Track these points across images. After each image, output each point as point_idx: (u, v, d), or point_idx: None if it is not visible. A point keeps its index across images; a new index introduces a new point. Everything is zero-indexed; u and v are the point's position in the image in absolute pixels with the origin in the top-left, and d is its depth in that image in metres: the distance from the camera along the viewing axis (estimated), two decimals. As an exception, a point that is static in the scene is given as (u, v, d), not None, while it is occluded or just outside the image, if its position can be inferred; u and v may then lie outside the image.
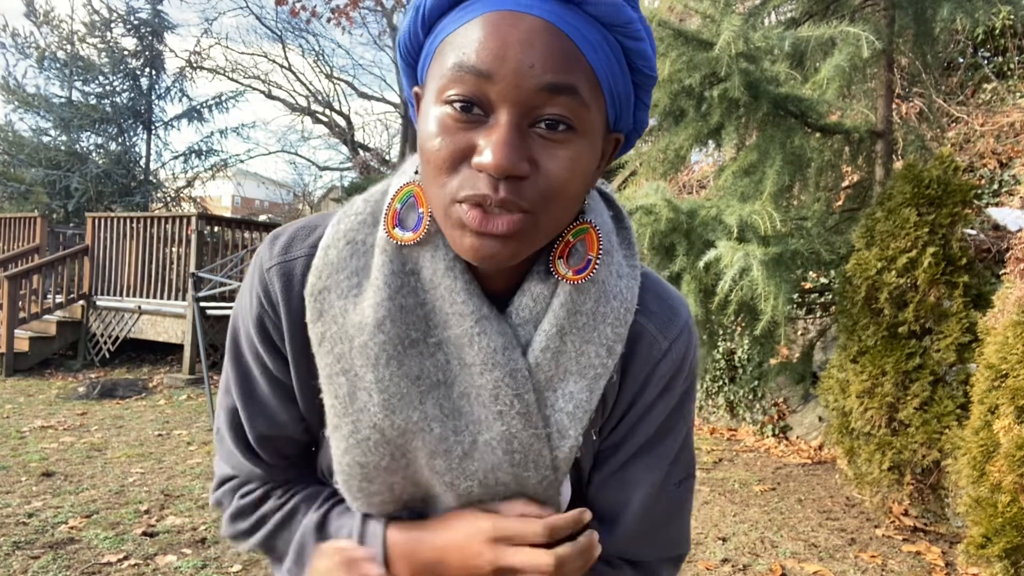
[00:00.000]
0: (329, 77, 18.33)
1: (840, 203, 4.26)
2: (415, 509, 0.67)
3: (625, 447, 0.68)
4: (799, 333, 4.87)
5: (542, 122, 0.52)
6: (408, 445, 0.61)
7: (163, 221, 7.78)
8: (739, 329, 3.84)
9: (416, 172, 0.62)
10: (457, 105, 0.51)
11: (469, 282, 0.59)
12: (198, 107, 13.75)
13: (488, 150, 0.50)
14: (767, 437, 4.70)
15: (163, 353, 7.95)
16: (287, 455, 0.69)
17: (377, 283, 0.59)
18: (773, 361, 3.88)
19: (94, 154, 12.81)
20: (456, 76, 0.51)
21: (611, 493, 0.68)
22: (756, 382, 4.72)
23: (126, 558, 2.65)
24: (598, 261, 0.60)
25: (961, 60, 5.83)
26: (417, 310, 0.60)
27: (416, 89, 0.60)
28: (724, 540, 2.93)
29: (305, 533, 0.66)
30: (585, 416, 0.62)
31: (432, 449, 0.61)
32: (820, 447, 4.36)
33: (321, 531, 0.66)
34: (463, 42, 0.51)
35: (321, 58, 18.89)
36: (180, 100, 13.73)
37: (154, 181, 13.51)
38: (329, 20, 17.77)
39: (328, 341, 0.61)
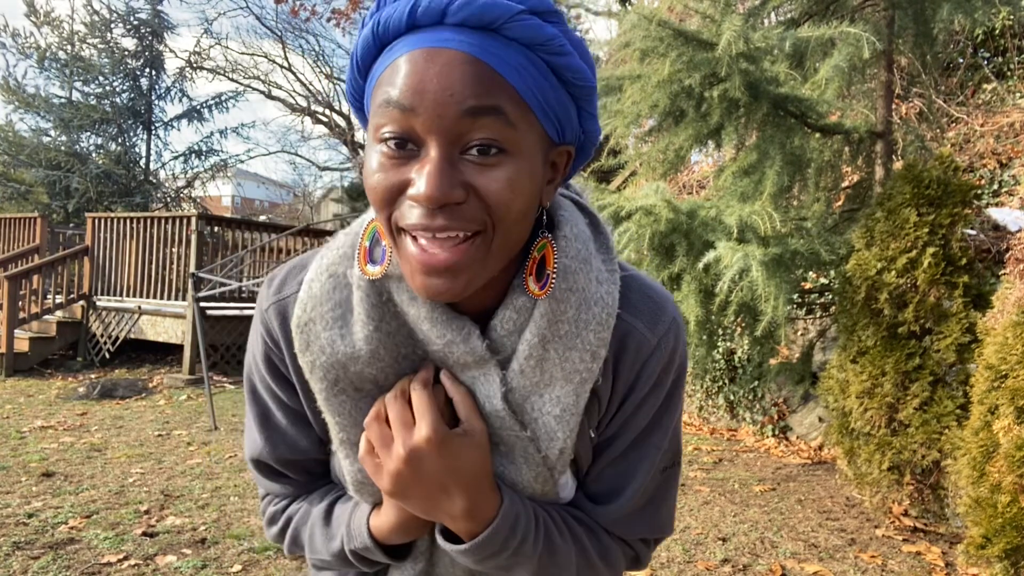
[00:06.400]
0: (329, 77, 18.35)
1: (840, 203, 4.26)
2: None
3: (620, 440, 0.71)
4: (799, 333, 4.87)
5: (473, 148, 0.53)
6: None
7: (163, 221, 7.78)
8: (739, 329, 3.84)
9: None
10: (391, 143, 0.54)
11: (432, 309, 0.62)
12: (198, 107, 13.77)
13: (420, 182, 0.53)
14: (767, 437, 4.70)
15: (163, 353, 7.95)
16: (311, 472, 0.78)
17: (361, 318, 0.64)
18: (773, 361, 3.88)
19: (94, 154, 12.82)
20: (385, 113, 0.54)
21: (607, 482, 0.73)
22: (756, 382, 4.72)
23: (126, 558, 2.65)
24: (555, 275, 0.62)
25: (961, 60, 5.83)
26: (401, 330, 0.65)
27: None
28: (724, 540, 2.93)
29: (314, 522, 0.75)
30: (573, 418, 0.66)
31: None
32: (820, 447, 4.36)
33: (327, 519, 0.74)
34: (388, 81, 0.54)
35: (321, 58, 18.93)
36: (180, 100, 13.76)
37: (154, 181, 13.51)
38: (329, 20, 17.78)
39: (319, 369, 0.65)
